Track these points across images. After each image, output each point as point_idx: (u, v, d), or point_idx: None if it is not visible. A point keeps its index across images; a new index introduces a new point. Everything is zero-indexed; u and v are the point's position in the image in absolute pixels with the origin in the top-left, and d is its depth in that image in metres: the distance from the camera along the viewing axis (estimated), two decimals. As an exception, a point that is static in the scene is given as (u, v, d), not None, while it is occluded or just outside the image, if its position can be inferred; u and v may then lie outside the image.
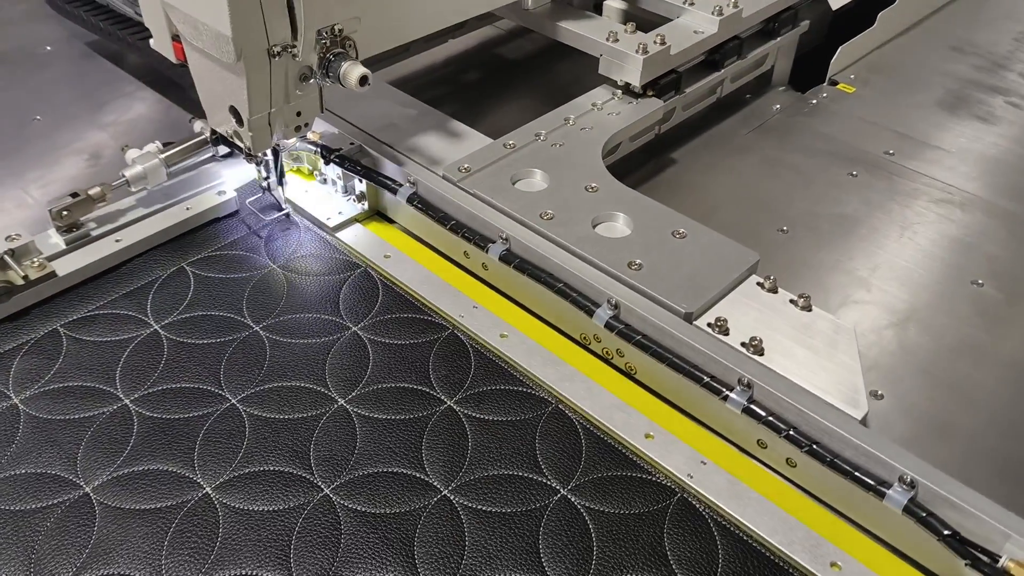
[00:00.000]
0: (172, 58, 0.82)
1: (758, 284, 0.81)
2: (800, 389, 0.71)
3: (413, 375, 0.81)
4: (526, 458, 0.73)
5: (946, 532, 0.61)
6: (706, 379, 0.73)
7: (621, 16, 1.18)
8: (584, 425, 0.76)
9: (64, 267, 0.90)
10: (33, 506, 0.70)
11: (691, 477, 0.72)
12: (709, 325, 0.76)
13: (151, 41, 0.85)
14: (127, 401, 0.78)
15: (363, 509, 0.69)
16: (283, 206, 0.98)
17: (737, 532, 0.68)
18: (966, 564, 0.61)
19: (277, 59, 0.75)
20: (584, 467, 0.73)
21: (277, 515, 0.69)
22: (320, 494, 0.71)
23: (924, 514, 0.62)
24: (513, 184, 0.92)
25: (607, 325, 0.79)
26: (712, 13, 1.05)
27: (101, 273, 0.92)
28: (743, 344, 0.75)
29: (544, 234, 0.85)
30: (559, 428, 0.76)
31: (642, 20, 1.08)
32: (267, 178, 0.95)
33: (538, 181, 0.93)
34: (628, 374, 0.82)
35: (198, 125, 1.00)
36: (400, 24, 0.89)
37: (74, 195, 0.92)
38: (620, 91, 1.07)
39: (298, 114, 0.83)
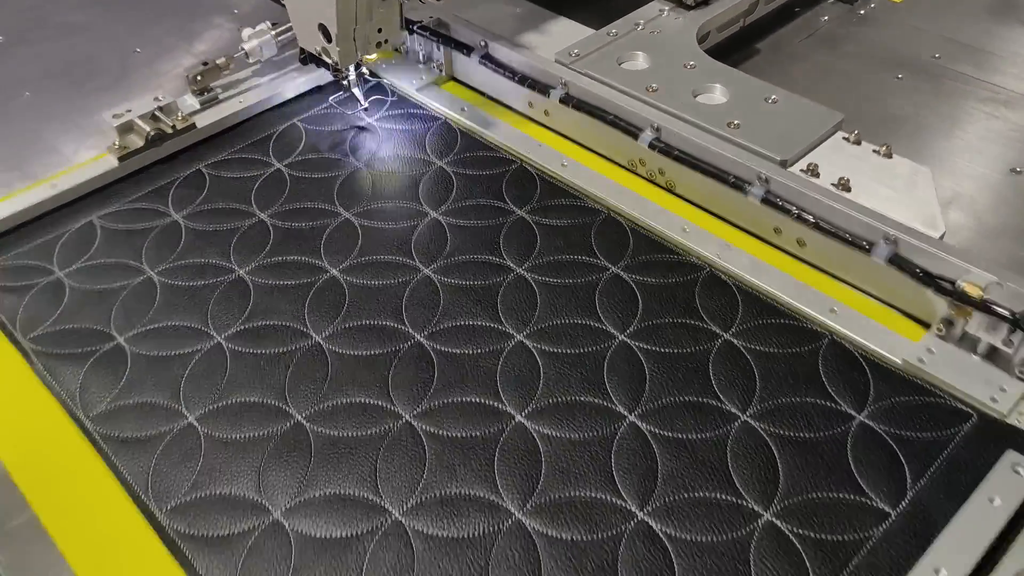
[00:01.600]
0: None
1: (844, 139, 0.92)
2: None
3: (490, 194, 0.99)
4: (582, 248, 0.91)
5: (917, 271, 0.77)
6: (732, 179, 0.89)
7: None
8: (631, 226, 0.93)
9: (201, 121, 1.09)
10: (202, 283, 0.90)
11: (719, 256, 0.88)
12: (802, 171, 0.88)
13: None
14: (263, 216, 0.98)
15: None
16: (363, 103, 1.07)
17: (755, 292, 0.85)
18: (932, 291, 0.76)
19: None
20: (631, 253, 0.90)
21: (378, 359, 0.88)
22: (413, 340, 0.82)
23: (902, 262, 0.78)
24: (619, 65, 1.04)
25: (650, 146, 0.94)
26: None
27: (230, 127, 1.11)
28: (832, 184, 0.86)
29: (654, 104, 0.96)
30: (611, 228, 0.93)
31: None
32: (347, 77, 1.03)
33: (640, 62, 1.04)
34: (669, 189, 0.98)
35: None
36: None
37: (205, 64, 1.12)
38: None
39: (379, 31, 0.90)
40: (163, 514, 0.68)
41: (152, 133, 1.04)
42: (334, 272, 0.90)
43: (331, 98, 1.11)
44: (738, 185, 0.89)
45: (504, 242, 0.92)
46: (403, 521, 0.67)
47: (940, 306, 0.77)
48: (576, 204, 0.97)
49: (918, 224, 0.80)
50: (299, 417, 0.76)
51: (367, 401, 0.77)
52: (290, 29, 1.15)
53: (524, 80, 1.06)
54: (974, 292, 0.73)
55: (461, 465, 0.71)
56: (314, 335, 0.83)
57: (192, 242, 0.95)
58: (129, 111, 1.06)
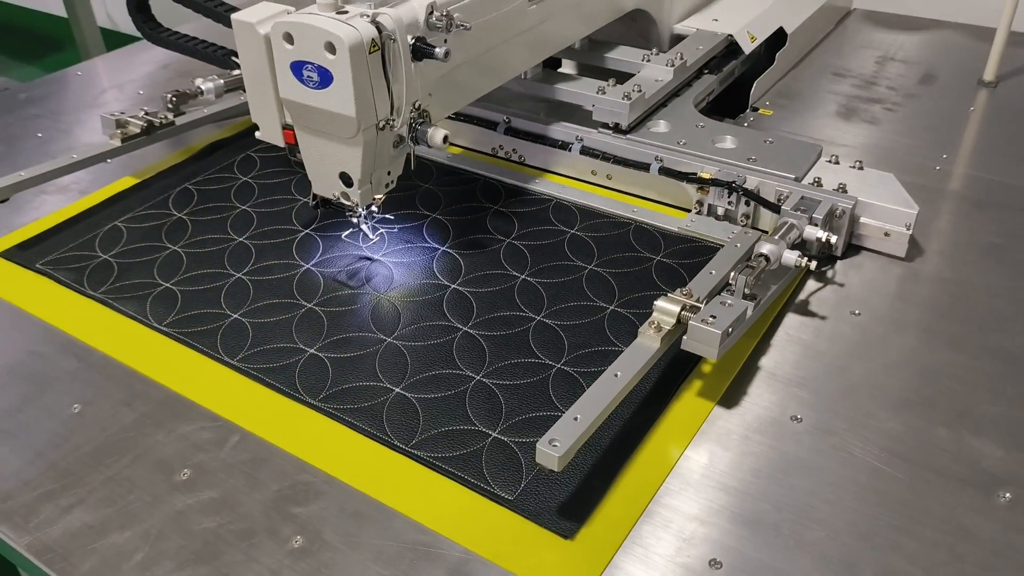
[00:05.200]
0: (280, 144, 0.96)
1: (827, 161, 1.07)
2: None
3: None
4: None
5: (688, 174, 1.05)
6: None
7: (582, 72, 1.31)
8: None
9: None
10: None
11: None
12: (810, 183, 1.02)
13: (256, 134, 0.99)
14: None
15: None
16: (372, 236, 1.03)
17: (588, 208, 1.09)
18: (686, 183, 1.05)
19: (382, 131, 0.89)
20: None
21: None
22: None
23: (669, 171, 1.06)
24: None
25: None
26: (666, 65, 1.21)
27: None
28: (834, 189, 1.00)
29: (692, 154, 1.08)
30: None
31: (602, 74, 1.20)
32: (359, 216, 1.00)
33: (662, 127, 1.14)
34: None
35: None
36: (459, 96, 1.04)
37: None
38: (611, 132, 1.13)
39: (388, 173, 0.95)
40: (316, 400, 0.83)
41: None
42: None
43: (344, 235, 1.05)
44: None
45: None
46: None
47: (694, 193, 1.09)
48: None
49: (899, 206, 0.98)
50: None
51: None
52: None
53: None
54: (707, 175, 1.08)
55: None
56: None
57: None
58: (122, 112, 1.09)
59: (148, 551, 0.68)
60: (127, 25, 4.06)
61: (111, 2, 3.88)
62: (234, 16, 0.92)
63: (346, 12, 0.84)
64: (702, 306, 0.79)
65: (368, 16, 0.84)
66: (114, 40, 2.13)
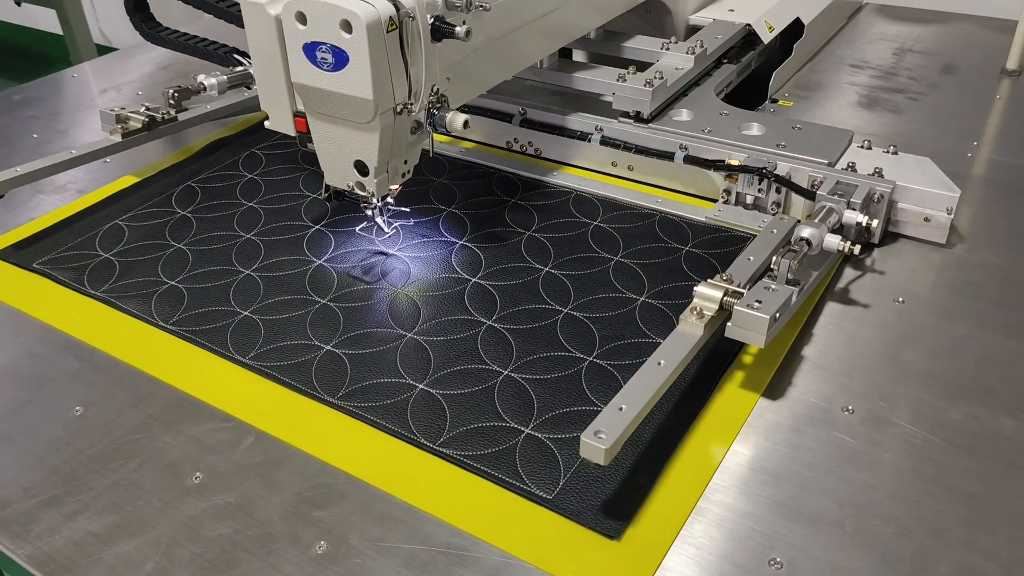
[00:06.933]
0: (291, 132, 0.89)
1: (859, 147, 1.03)
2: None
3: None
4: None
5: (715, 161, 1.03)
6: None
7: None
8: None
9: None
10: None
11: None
12: (844, 168, 0.98)
13: (265, 123, 0.91)
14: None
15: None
16: (387, 230, 0.97)
17: (611, 201, 1.05)
18: (713, 171, 1.03)
19: (399, 116, 0.83)
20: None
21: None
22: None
23: (694, 159, 1.03)
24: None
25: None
26: (687, 53, 1.16)
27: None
28: (869, 174, 0.96)
29: (718, 141, 1.03)
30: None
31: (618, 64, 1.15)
32: (373, 207, 0.94)
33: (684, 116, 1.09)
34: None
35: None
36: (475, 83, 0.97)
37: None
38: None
39: (405, 162, 0.89)
40: (334, 398, 0.78)
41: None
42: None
43: (358, 228, 1.01)
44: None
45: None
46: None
47: (720, 182, 1.05)
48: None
49: (940, 190, 0.94)
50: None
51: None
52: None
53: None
54: (735, 162, 1.03)
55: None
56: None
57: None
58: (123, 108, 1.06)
59: (159, 560, 0.62)
60: (120, 40, 4.10)
61: (104, 19, 3.85)
62: (243, -2, 0.87)
63: (361, -10, 0.80)
64: (745, 291, 0.75)
65: (386, -8, 0.80)
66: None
